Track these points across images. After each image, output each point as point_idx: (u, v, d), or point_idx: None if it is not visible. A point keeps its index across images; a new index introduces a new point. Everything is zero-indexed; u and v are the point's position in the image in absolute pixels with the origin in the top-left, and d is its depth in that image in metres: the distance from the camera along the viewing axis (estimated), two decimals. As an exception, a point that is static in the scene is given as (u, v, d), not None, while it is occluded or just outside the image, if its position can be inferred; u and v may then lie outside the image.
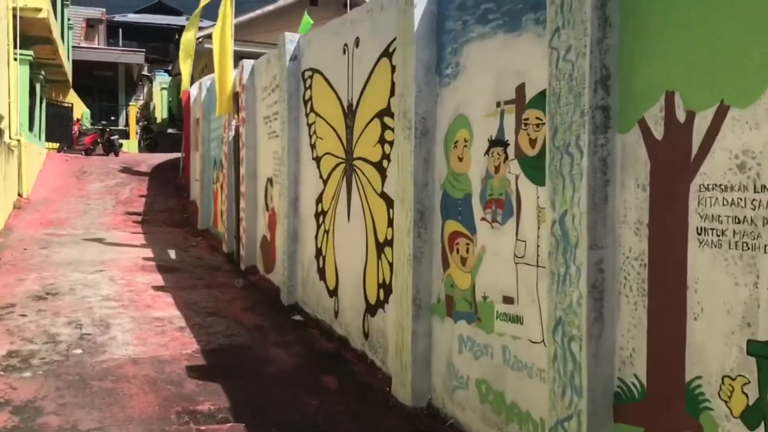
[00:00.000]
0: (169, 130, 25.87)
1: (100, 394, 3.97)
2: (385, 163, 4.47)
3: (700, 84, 2.20)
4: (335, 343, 5.18)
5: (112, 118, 26.66)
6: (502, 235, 3.22)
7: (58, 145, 19.59)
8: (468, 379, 3.47)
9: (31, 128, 14.83)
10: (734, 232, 2.08)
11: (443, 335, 3.73)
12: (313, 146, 5.91)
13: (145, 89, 32.17)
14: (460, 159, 3.56)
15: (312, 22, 10.00)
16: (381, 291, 4.52)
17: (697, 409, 2.19)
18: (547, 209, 2.71)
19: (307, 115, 6.05)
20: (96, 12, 31.13)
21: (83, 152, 20.08)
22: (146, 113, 29.54)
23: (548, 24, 2.70)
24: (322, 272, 5.65)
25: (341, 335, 5.19)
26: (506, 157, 3.20)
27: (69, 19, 21.52)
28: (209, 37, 20.31)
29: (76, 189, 14.46)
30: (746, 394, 2.05)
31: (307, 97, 6.04)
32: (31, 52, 13.61)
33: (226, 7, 8.65)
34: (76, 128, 21.55)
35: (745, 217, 2.05)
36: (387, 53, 4.40)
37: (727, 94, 2.11)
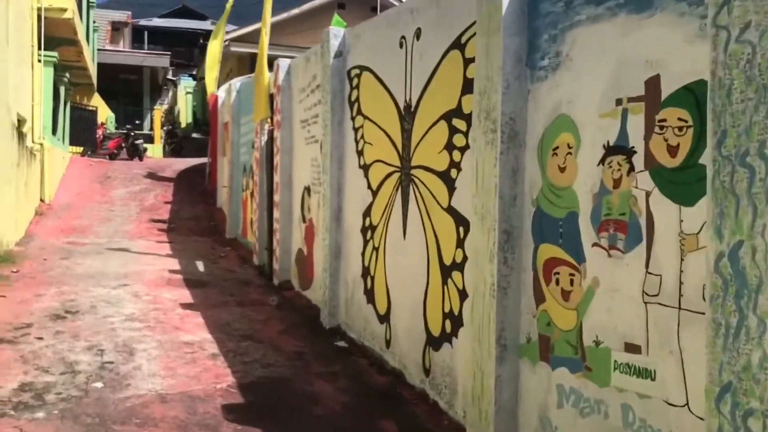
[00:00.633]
0: (194, 135, 25.62)
1: (123, 443, 3.38)
2: (453, 172, 3.83)
3: None
4: (388, 376, 4.54)
5: (137, 122, 26.41)
6: (625, 266, 2.57)
7: (81, 149, 19.38)
8: (572, 441, 2.82)
9: (54, 132, 14.48)
10: None
11: (535, 383, 3.08)
12: (360, 153, 5.29)
13: (170, 93, 31.96)
14: (562, 169, 2.91)
15: (345, 23, 9.40)
16: (447, 322, 3.87)
17: None
18: (710, 238, 2.05)
19: (353, 118, 5.44)
20: (122, 15, 31.05)
21: (107, 156, 19.82)
22: (171, 117, 29.30)
23: (713, -5, 2.05)
24: (370, 294, 5.03)
25: (394, 367, 4.55)
26: (631, 168, 2.55)
27: (94, 22, 21.30)
28: (235, 40, 20.02)
29: (100, 195, 14.03)
30: None
31: (353, 98, 5.42)
32: (55, 54, 13.23)
33: (266, 10, 8.07)
34: (100, 132, 21.34)
35: None
36: (458, 44, 3.77)
37: None
